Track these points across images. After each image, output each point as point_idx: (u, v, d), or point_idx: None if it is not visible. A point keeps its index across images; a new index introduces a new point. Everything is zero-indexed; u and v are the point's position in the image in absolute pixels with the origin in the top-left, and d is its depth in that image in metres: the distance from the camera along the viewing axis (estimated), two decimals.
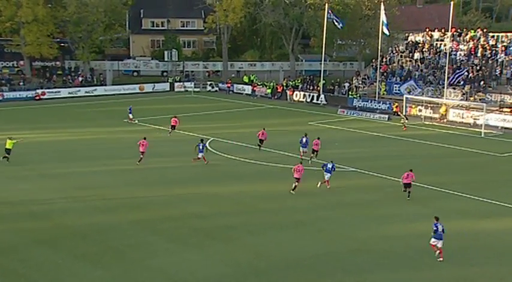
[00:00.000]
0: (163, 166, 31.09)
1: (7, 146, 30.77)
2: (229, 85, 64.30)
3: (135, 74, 73.07)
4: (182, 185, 27.37)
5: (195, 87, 65.53)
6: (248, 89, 62.87)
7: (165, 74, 72.44)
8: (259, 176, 29.44)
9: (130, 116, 44.23)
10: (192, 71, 73.92)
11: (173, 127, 39.55)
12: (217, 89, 66.20)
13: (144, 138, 31.76)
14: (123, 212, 23.53)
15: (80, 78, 63.27)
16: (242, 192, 26.43)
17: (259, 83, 63.11)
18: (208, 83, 66.85)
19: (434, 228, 19.83)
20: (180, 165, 31.39)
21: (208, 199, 25.38)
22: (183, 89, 65.48)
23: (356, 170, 30.35)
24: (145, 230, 21.72)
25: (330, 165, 27.08)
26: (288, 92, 57.98)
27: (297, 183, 26.03)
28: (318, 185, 26.95)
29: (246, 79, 66.24)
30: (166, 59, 72.44)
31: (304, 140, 32.58)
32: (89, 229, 21.75)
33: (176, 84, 66.04)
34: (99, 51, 70.66)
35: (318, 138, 32.63)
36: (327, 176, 26.95)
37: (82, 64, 67.48)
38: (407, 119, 43.22)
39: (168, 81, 66.43)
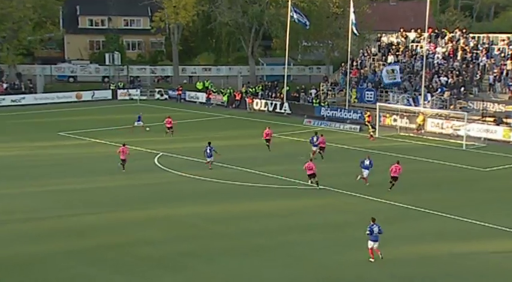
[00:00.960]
0: (106, 185, 30.94)
1: None
2: (180, 92, 64.43)
3: (71, 80, 72.39)
4: (128, 207, 27.32)
5: (141, 94, 65.41)
6: (202, 96, 63.12)
7: (106, 79, 72.04)
8: (215, 195, 29.65)
9: (141, 123, 46.24)
10: (138, 77, 73.77)
11: (170, 128, 44.01)
12: (166, 96, 66.21)
13: (124, 145, 34.02)
14: (58, 240, 23.30)
15: (5, 85, 62.15)
16: (196, 214, 26.57)
17: (214, 90, 63.44)
18: (157, 90, 66.84)
19: (368, 231, 21.49)
20: (126, 184, 31.31)
21: (158, 222, 25.39)
22: (127, 97, 65.23)
23: (325, 188, 30.91)
24: (84, 260, 21.57)
25: (367, 162, 31.17)
26: (247, 100, 58.51)
27: (312, 179, 30.35)
28: (357, 178, 31.35)
29: (199, 85, 66.51)
30: (107, 62, 72.04)
31: (315, 139, 37.65)
32: (15, 261, 21.41)
33: (119, 91, 65.79)
34: (28, 53, 69.75)
35: (322, 135, 38.26)
36: (365, 172, 30.82)
37: (7, 68, 66.31)
38: (373, 127, 44.26)
39: (110, 88, 66.10)
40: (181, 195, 29.51)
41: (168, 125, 44.62)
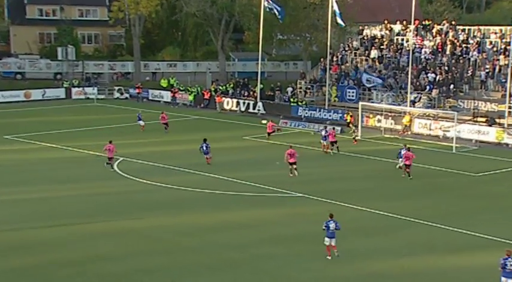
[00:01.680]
0: (59, 195, 30.74)
1: None
2: (139, 90, 64.24)
3: (19, 76, 71.64)
4: (84, 219, 27.18)
5: (98, 93, 65.06)
6: (167, 95, 63.02)
7: (58, 76, 71.43)
8: (183, 204, 29.67)
9: (142, 123, 47.83)
10: (95, 73, 73.29)
11: (166, 124, 46.40)
12: (127, 95, 65.96)
13: (110, 142, 35.46)
14: (3, 257, 23.06)
15: None
16: (161, 226, 26.56)
17: (181, 88, 63.37)
18: (116, 88, 66.55)
19: (324, 226, 22.88)
20: (82, 193, 31.16)
21: (118, 236, 25.31)
22: (83, 96, 64.84)
23: (303, 196, 31.13)
24: (34, 279, 21.41)
25: (403, 151, 35.30)
26: (217, 99, 58.57)
27: (291, 167, 34.16)
28: (397, 166, 35.47)
29: (164, 83, 66.38)
30: (60, 57, 71.44)
31: (323, 132, 40.98)
32: None
33: (74, 90, 65.35)
34: None
35: (334, 128, 42.43)
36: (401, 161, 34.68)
37: None
38: (355, 130, 44.44)
39: (63, 86, 65.58)
40: (145, 205, 29.44)
41: (163, 121, 46.74)
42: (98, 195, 30.82)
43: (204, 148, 36.84)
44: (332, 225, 22.98)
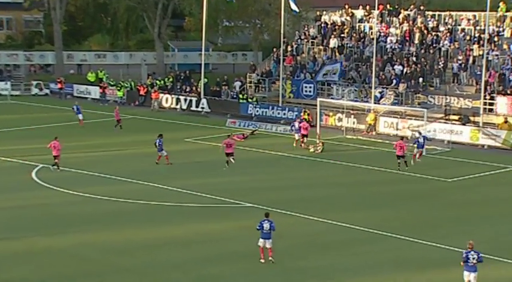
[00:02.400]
0: None
1: None
2: (62, 85, 63.45)
3: None
4: None
5: (12, 89, 64.07)
6: (95, 91, 62.37)
7: None
8: (113, 218, 29.42)
9: (81, 117, 49.62)
10: (8, 65, 71.99)
11: (118, 121, 47.87)
12: (47, 91, 65.20)
13: (56, 138, 36.40)
14: None
15: None
16: (88, 243, 26.25)
17: (111, 83, 62.78)
18: (34, 83, 65.68)
19: (258, 227, 24.12)
20: None
21: (36, 256, 24.91)
22: None
23: (253, 206, 31.17)
24: None
25: (421, 140, 39.36)
26: (153, 96, 58.22)
27: (228, 158, 37.13)
28: (415, 160, 38.82)
29: (91, 77, 65.74)
30: None
31: (296, 124, 44.09)
32: None
33: None
34: None
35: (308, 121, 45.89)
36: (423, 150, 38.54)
37: None
38: (320, 147, 43.57)
39: None
40: (69, 220, 29.07)
41: (117, 118, 48.06)
42: (12, 209, 30.28)
43: (157, 144, 38.07)
44: (266, 226, 24.10)
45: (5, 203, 31.12)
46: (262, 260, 24.13)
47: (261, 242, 24.27)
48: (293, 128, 45.43)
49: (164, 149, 38.46)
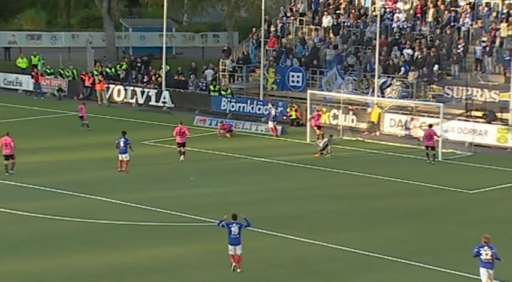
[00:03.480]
0: None
1: None
2: None
3: None
4: None
5: None
6: (28, 81, 61.90)
7: None
8: (47, 242, 29.25)
9: None
10: None
11: (82, 118, 49.11)
12: None
13: (7, 134, 37.69)
14: None
15: None
16: (15, 274, 26.03)
17: (48, 71, 62.40)
18: None
19: (222, 227, 25.60)
20: None
21: None
22: None
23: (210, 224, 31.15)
24: None
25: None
26: (99, 87, 57.88)
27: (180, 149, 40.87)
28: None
29: (22, 64, 65.22)
30: None
31: (272, 111, 48.55)
32: None
33: None
34: None
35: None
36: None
37: None
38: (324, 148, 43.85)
39: None
40: None
41: (81, 114, 49.27)
42: None
43: (121, 145, 38.59)
44: (235, 229, 25.47)
45: None
46: (239, 270, 25.60)
47: (230, 249, 25.64)
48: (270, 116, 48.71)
49: (128, 152, 38.73)
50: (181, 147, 41.35)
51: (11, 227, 30.79)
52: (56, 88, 60.23)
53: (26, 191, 35.60)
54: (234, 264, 25.77)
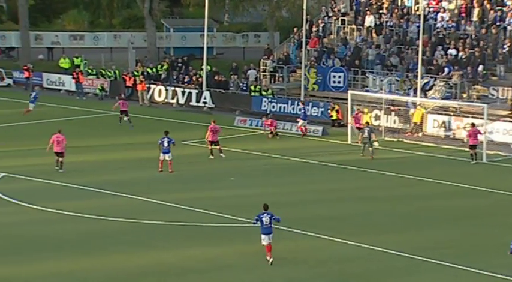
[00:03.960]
0: None
1: None
2: (29, 74, 63.51)
3: None
4: None
5: None
6: (70, 81, 62.37)
7: None
8: (91, 241, 29.40)
9: (31, 106, 52.37)
10: None
11: (124, 113, 50.17)
12: (10, 82, 65.25)
13: (59, 131, 38.58)
14: None
15: None
16: (60, 274, 26.25)
17: (90, 72, 62.82)
18: None
19: (255, 220, 26.39)
20: None
21: None
22: None
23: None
24: None
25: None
26: (140, 87, 58.19)
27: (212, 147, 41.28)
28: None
29: (65, 64, 65.74)
30: None
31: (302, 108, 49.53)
32: None
33: None
34: None
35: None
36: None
37: None
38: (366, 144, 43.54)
39: None
40: (36, 243, 29.07)
41: (123, 109, 50.11)
42: None
43: (165, 144, 38.45)
44: (266, 219, 26.28)
45: None
46: (270, 259, 26.40)
47: (263, 238, 26.44)
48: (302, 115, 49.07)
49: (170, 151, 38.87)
50: (214, 145, 41.58)
51: (56, 227, 30.96)
52: (98, 88, 60.62)
53: (70, 191, 35.82)
54: (271, 258, 26.35)
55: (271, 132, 47.69)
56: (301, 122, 48.68)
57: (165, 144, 38.58)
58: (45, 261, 27.22)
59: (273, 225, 26.62)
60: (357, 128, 46.18)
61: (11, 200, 34.23)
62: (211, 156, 41.63)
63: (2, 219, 31.71)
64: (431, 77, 51.77)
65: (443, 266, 27.18)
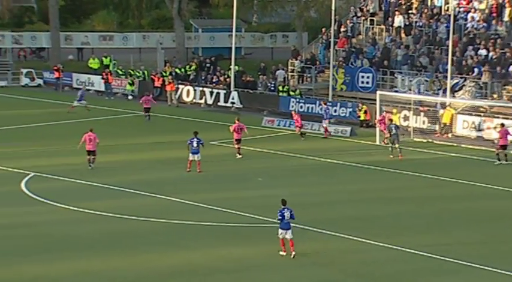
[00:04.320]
0: None
1: None
2: (59, 74, 63.88)
3: None
4: None
5: None
6: (99, 82, 62.72)
7: None
8: (121, 241, 29.52)
9: (84, 103, 54.51)
10: None
11: (146, 109, 51.70)
12: (41, 82, 65.66)
13: (91, 130, 39.55)
14: None
15: None
16: (90, 273, 26.37)
17: (120, 72, 63.13)
18: (24, 71, 66.20)
19: (280, 216, 27.07)
20: None
21: None
22: None
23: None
24: None
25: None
26: (169, 87, 58.39)
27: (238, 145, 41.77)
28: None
29: (94, 64, 66.10)
30: None
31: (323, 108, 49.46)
32: None
33: None
34: None
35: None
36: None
37: None
38: (394, 139, 43.48)
39: None
40: (67, 243, 29.24)
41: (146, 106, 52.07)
42: None
43: (194, 145, 38.68)
44: (287, 214, 27.09)
45: None
46: (283, 253, 27.12)
47: (281, 233, 27.18)
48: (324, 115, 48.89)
49: (199, 152, 39.04)
50: (239, 144, 42.06)
51: (87, 226, 31.12)
52: (129, 82, 60.95)
53: (100, 191, 35.96)
54: (282, 248, 27.21)
55: (300, 129, 47.87)
56: (325, 122, 48.67)
57: (194, 144, 38.67)
58: (76, 261, 27.30)
59: (292, 217, 27.33)
60: (381, 130, 46.09)
61: (41, 199, 34.38)
62: (239, 156, 41.94)
63: (34, 219, 31.84)
64: (461, 78, 51.51)
65: (468, 267, 27.08)
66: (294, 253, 27.05)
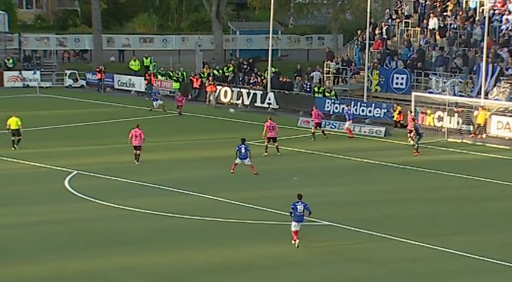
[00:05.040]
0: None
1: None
2: (101, 76, 64.24)
3: None
4: (17, 257, 27.03)
5: (42, 80, 65.15)
6: (140, 82, 62.92)
7: None
8: (160, 238, 29.58)
9: (160, 102, 55.34)
10: (37, 51, 73.27)
11: (179, 107, 53.72)
12: (83, 83, 66.10)
13: (137, 126, 40.46)
14: None
15: None
16: (129, 268, 26.45)
17: (161, 73, 63.30)
18: (68, 72, 66.63)
19: (292, 208, 27.87)
20: (17, 221, 30.98)
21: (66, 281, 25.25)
22: (20, 84, 64.99)
23: (332, 225, 30.98)
24: None
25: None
26: (208, 88, 58.44)
27: (272, 144, 41.98)
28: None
29: (135, 66, 66.38)
30: None
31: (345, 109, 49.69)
32: None
33: (7, 74, 65.40)
34: None
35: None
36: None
37: None
38: (419, 134, 43.79)
39: None
40: (108, 239, 29.39)
41: (180, 104, 54.09)
42: (39, 225, 30.65)
43: (243, 151, 38.55)
44: (300, 207, 27.83)
45: (32, 218, 31.55)
46: (294, 242, 27.87)
47: (294, 225, 27.92)
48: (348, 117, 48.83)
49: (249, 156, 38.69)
50: (273, 142, 42.16)
51: (124, 223, 31.24)
52: (174, 78, 61.30)
53: (141, 189, 36.06)
54: (297, 241, 27.77)
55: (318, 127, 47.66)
56: (347, 123, 48.41)
57: (242, 150, 38.61)
58: (114, 256, 27.42)
59: (309, 210, 28.05)
60: (409, 131, 45.71)
61: (84, 197, 34.55)
62: (265, 154, 41.90)
63: (77, 215, 31.96)
64: (497, 79, 51.13)
65: (506, 267, 26.82)
66: (297, 241, 27.86)
